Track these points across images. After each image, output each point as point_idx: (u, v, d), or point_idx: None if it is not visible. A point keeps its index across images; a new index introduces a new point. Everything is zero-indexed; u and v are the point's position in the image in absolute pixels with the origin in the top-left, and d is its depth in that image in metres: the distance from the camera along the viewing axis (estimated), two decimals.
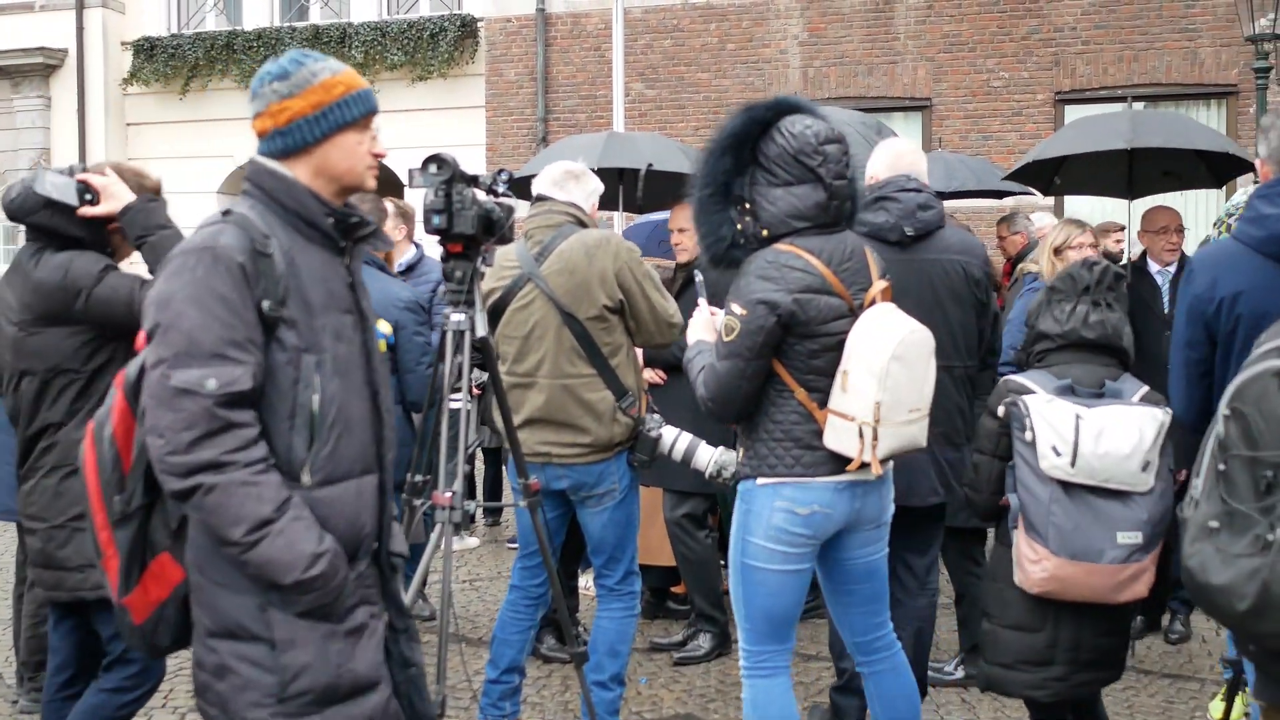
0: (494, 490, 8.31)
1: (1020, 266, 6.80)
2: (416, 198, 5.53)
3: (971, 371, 4.47)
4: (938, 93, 14.15)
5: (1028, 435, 3.32)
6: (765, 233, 3.44)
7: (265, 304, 2.35)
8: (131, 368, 2.45)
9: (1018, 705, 5.02)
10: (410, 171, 3.61)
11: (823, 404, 3.40)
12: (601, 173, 7.72)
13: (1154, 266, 5.94)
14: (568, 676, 5.39)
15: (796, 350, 3.40)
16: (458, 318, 3.61)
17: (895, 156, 4.39)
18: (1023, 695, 3.55)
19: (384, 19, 16.01)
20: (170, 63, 16.54)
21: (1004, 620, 3.46)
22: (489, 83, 15.51)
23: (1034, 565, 3.31)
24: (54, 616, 3.75)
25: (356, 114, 2.54)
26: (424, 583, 3.85)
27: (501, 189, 3.72)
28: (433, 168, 3.54)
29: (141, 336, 2.38)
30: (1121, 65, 13.74)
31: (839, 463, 3.39)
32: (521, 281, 4.24)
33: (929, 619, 4.58)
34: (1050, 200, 12.04)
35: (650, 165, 6.15)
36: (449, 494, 3.57)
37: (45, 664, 4.94)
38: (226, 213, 2.43)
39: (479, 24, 15.53)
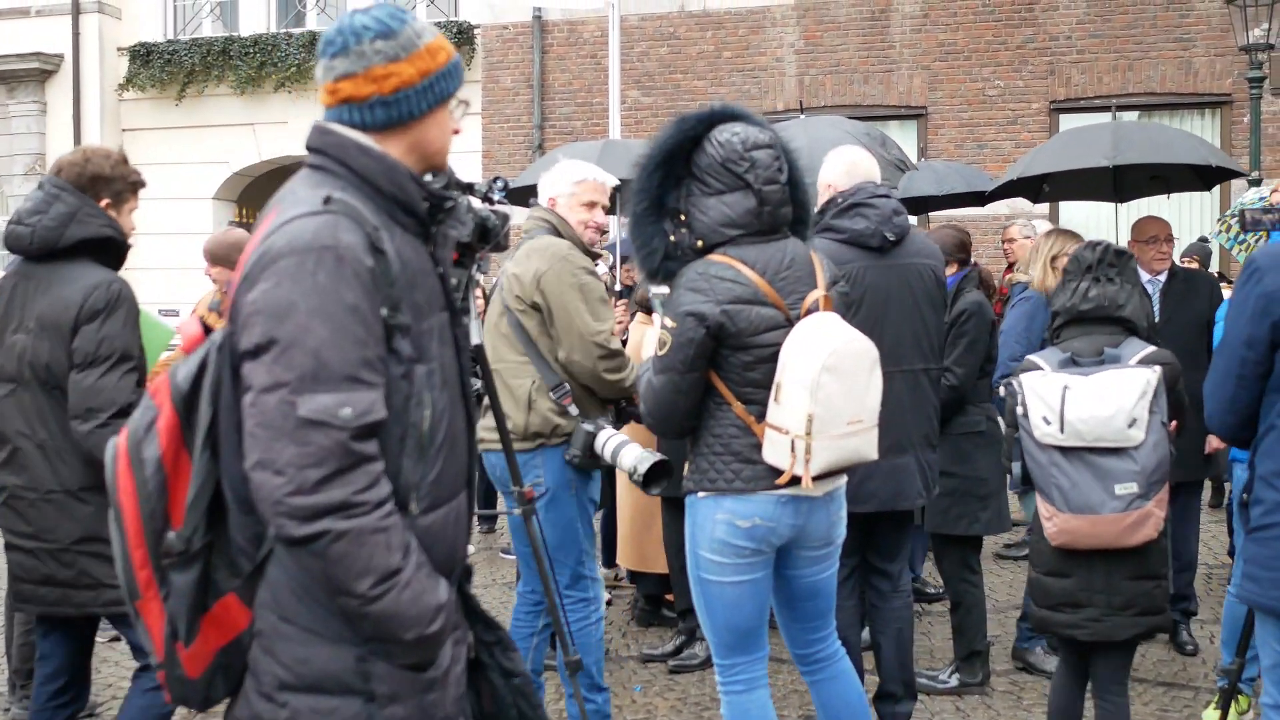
0: (488, 498, 8.32)
1: (1009, 276, 6.82)
2: None
3: (935, 375, 4.53)
4: (933, 101, 14.18)
5: (1020, 409, 3.66)
6: (700, 243, 3.39)
7: (383, 311, 2.01)
8: (180, 376, 2.06)
9: (1010, 711, 5.03)
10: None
11: (760, 416, 3.33)
12: None
13: (1144, 276, 5.95)
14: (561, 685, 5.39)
15: (731, 362, 3.34)
16: None
17: (851, 165, 4.42)
18: (1065, 635, 3.80)
19: None
20: (166, 68, 16.53)
21: (1040, 569, 3.82)
22: (485, 90, 15.52)
23: (1047, 522, 3.66)
24: (44, 626, 3.71)
25: (456, 86, 2.21)
26: None
27: (497, 196, 3.71)
28: (428, 175, 3.52)
29: (197, 343, 2.13)
30: (1116, 74, 13.77)
31: (779, 477, 3.32)
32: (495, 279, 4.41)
33: (908, 619, 4.63)
34: (1045, 207, 12.07)
35: (622, 180, 6.15)
36: None
37: (32, 672, 4.94)
38: (328, 199, 2.02)
39: (475, 31, 15.55)
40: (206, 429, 2.02)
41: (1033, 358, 3.82)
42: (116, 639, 6.04)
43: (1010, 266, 7.51)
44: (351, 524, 1.90)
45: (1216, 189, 10.29)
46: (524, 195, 4.49)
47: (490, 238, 3.67)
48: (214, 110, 16.51)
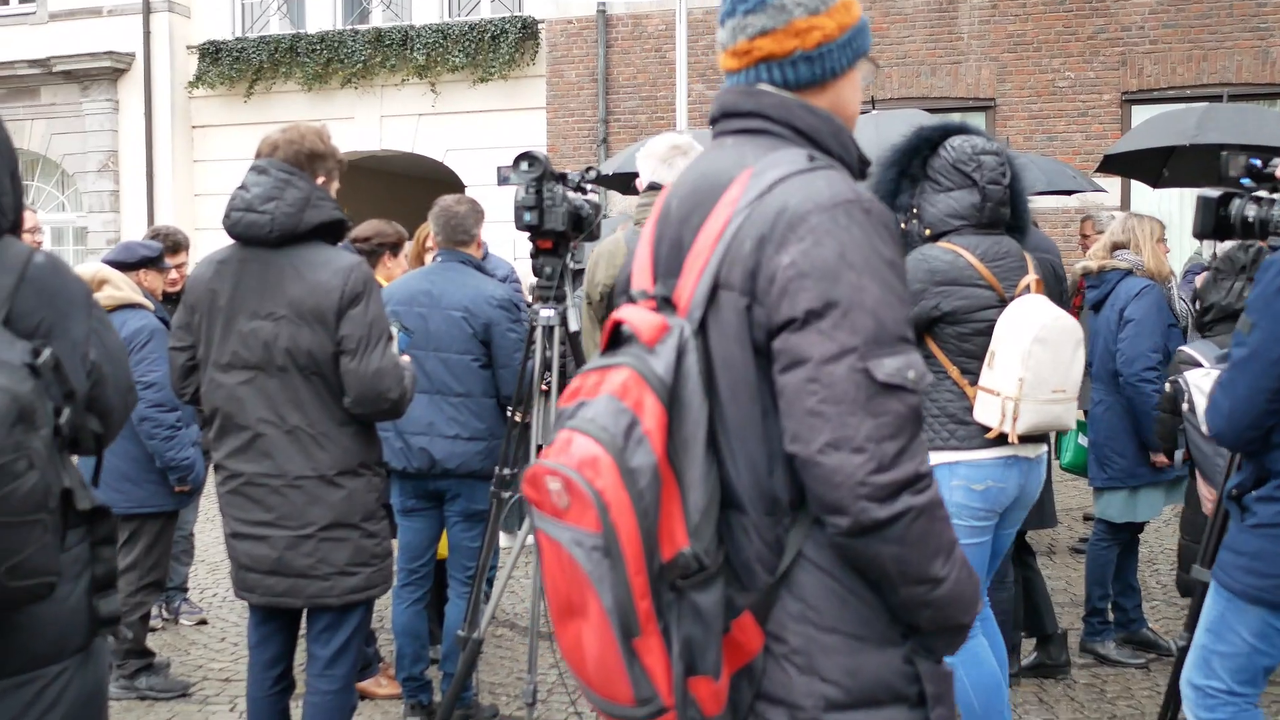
0: None
1: (1101, 265, 6.74)
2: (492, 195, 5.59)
3: None
4: (1002, 93, 14.04)
5: (1186, 406, 3.81)
6: (928, 232, 3.85)
7: None
8: (660, 369, 1.75)
9: (1094, 703, 4.99)
10: (500, 169, 3.63)
11: (973, 383, 3.76)
12: None
13: None
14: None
15: (948, 334, 3.76)
16: (547, 313, 3.65)
17: None
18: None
19: (445, 21, 16.13)
20: (235, 66, 16.76)
21: (1190, 537, 4.21)
22: (550, 84, 15.58)
23: (1209, 502, 3.81)
24: (259, 615, 3.65)
25: (869, 43, 2.03)
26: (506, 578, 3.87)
27: (589, 186, 3.75)
28: (524, 165, 3.57)
29: (662, 331, 1.78)
30: (1190, 65, 13.56)
31: (992, 437, 3.70)
32: None
33: (1010, 610, 4.61)
34: (1116, 198, 11.93)
35: None
36: None
37: (131, 651, 5.04)
38: (813, 157, 1.86)
39: (540, 25, 15.61)
40: (706, 425, 1.75)
41: (1189, 352, 4.06)
42: (203, 622, 6.17)
43: None
44: (925, 498, 1.72)
45: None
46: (613, 185, 4.47)
47: (584, 227, 3.72)
48: (281, 107, 16.69)
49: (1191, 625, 3.67)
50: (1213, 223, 3.48)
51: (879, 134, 7.13)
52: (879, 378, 1.68)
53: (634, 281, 1.93)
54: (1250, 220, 3.45)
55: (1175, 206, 12.69)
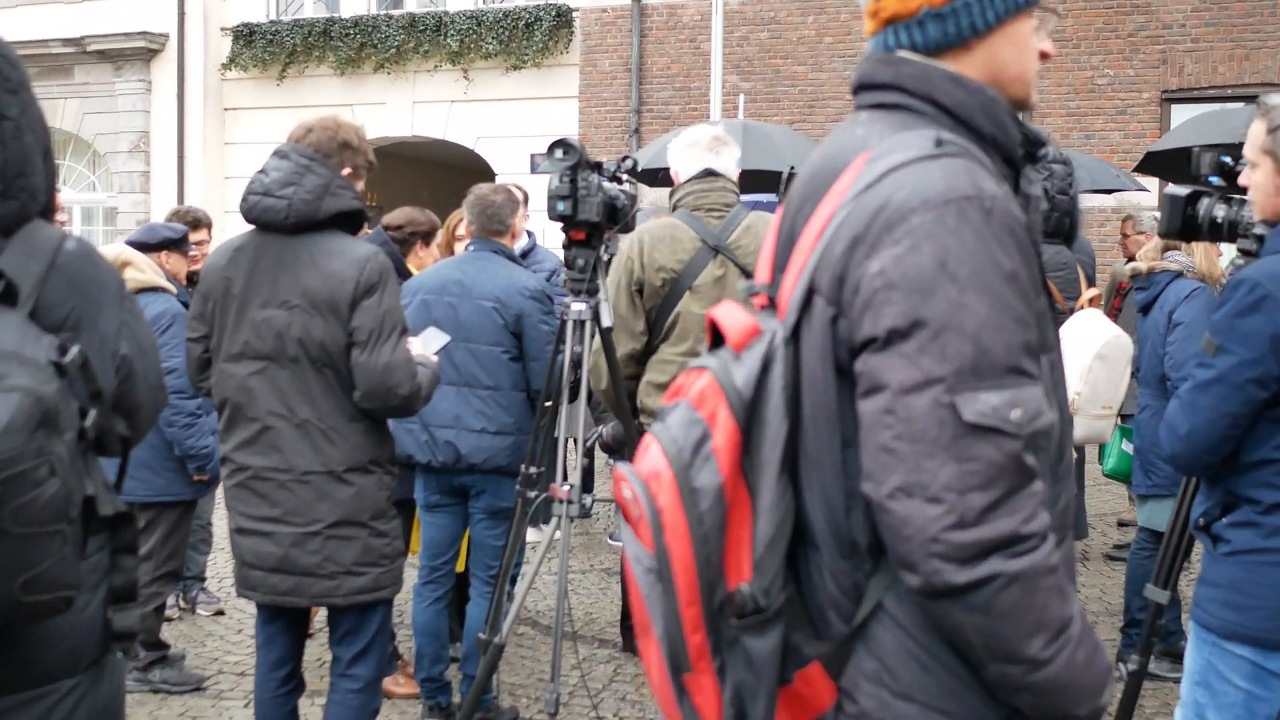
0: (585, 483, 8.26)
1: (1151, 266, 6.60)
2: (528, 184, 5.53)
3: None
4: (1041, 89, 13.70)
5: None
6: None
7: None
8: (738, 380, 1.54)
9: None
10: (534, 156, 3.55)
11: None
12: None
13: None
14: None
15: None
16: (578, 307, 3.54)
17: None
18: None
19: (480, 7, 16.04)
20: (268, 49, 16.73)
21: None
22: (583, 73, 15.47)
23: None
24: (266, 614, 3.58)
25: None
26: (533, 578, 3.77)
27: (625, 176, 3.64)
28: (559, 152, 3.46)
29: (751, 335, 1.57)
30: (1232, 64, 13.34)
31: None
32: (705, 257, 4.07)
33: None
34: (1154, 198, 11.72)
35: (792, 169, 5.97)
36: (567, 486, 3.49)
37: (146, 643, 4.97)
38: (939, 141, 1.55)
39: (574, 14, 15.50)
40: (784, 447, 1.52)
41: None
42: (220, 613, 6.10)
43: (1130, 259, 7.26)
44: (1022, 564, 1.43)
45: None
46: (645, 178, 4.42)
47: (619, 218, 3.61)
48: (314, 91, 16.66)
49: (1145, 650, 3.51)
50: (1179, 222, 3.22)
51: None
52: (966, 417, 1.41)
53: (755, 274, 1.72)
54: (1219, 221, 3.21)
55: None
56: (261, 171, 3.36)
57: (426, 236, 5.24)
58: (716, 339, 1.62)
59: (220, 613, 6.12)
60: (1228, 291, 2.75)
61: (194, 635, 5.81)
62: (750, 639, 1.51)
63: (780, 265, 1.64)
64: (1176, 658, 5.55)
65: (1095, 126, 13.71)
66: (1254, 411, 2.68)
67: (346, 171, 3.44)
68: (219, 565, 6.98)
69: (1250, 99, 12.99)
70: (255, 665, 3.63)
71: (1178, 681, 5.28)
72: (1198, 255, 5.32)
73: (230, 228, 16.54)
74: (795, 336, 1.55)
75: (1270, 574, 2.69)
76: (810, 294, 1.54)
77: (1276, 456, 2.71)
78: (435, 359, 3.60)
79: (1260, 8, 13.24)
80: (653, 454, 1.54)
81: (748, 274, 4.08)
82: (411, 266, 5.06)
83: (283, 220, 3.28)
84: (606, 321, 3.54)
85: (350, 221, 3.39)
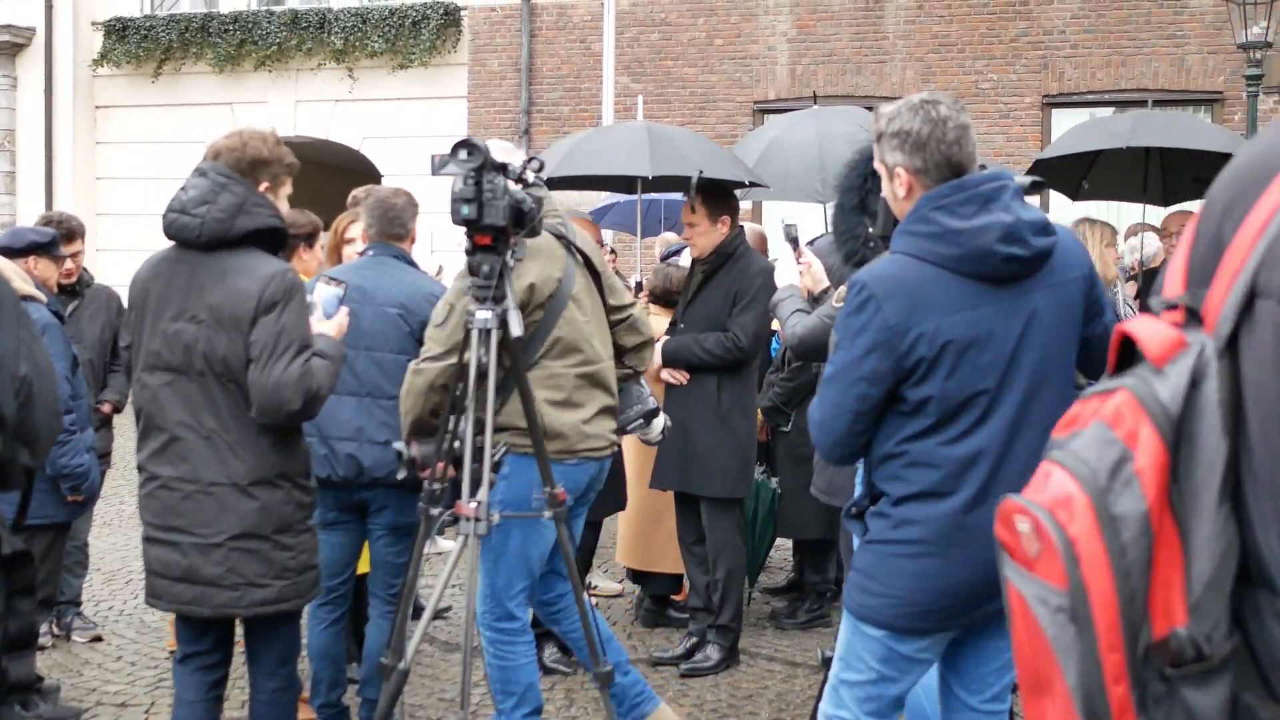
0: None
1: None
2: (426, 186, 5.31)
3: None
4: (924, 93, 14.00)
5: None
6: None
7: None
8: (1164, 395, 1.36)
9: None
10: (435, 157, 3.37)
11: None
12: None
13: None
14: (571, 689, 5.18)
15: None
16: (484, 315, 3.39)
17: None
18: None
19: (365, 5, 15.70)
20: (142, 44, 16.18)
21: None
22: (471, 73, 15.25)
23: None
24: (197, 625, 3.53)
25: None
26: (439, 599, 3.61)
27: (532, 178, 3.50)
28: (463, 153, 3.30)
29: (1175, 348, 1.37)
30: (1109, 70, 13.67)
31: None
32: (573, 264, 4.03)
33: None
34: (1035, 204, 11.93)
35: (701, 173, 5.85)
36: (474, 503, 3.34)
37: None
38: None
39: (462, 13, 15.27)
40: (1224, 471, 1.32)
41: None
42: (98, 639, 5.79)
43: None
44: None
45: None
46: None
47: (526, 222, 3.46)
48: (192, 89, 16.16)
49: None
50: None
51: (819, 129, 6.99)
52: None
53: (1164, 288, 1.47)
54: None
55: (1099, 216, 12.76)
56: (182, 188, 3.41)
57: (309, 239, 5.03)
58: (1122, 360, 1.42)
59: (98, 639, 5.80)
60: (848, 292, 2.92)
61: (70, 664, 5.49)
62: (1191, 691, 1.27)
63: (1199, 276, 1.41)
64: None
65: (979, 130, 13.69)
66: (874, 407, 2.82)
67: (264, 186, 3.47)
68: (95, 588, 6.64)
69: (1127, 103, 13.37)
70: (179, 671, 3.61)
71: None
72: (1094, 257, 5.41)
73: (104, 230, 15.96)
74: (1231, 347, 1.33)
75: (897, 564, 2.83)
76: (1251, 297, 1.31)
77: (900, 451, 2.83)
78: (339, 318, 3.68)
79: (1136, 15, 13.59)
80: (1057, 480, 1.34)
81: (597, 278, 4.13)
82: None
83: (196, 238, 3.34)
84: (516, 330, 3.39)
85: (269, 239, 3.44)
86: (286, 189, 3.60)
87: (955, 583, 2.79)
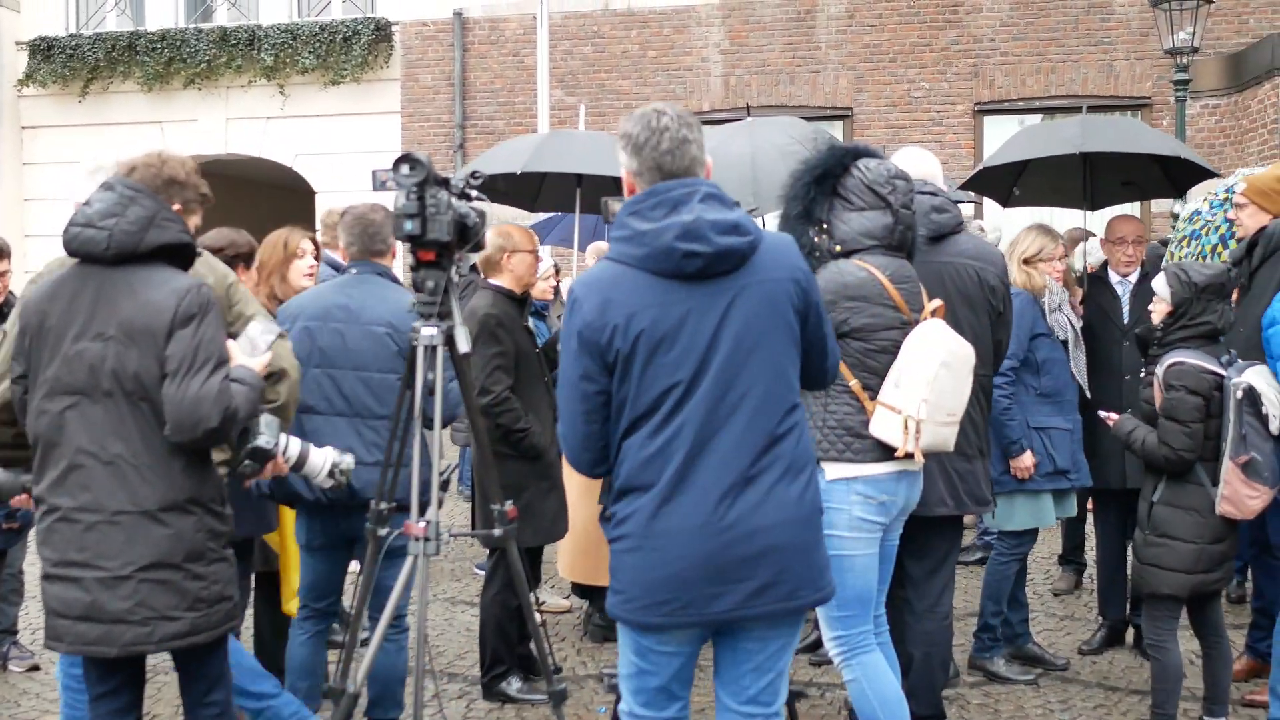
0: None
1: None
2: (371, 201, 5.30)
3: (985, 383, 4.47)
4: (859, 102, 14.14)
5: (1265, 409, 4.39)
6: (839, 249, 3.92)
7: None
8: None
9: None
10: (376, 173, 3.34)
11: (873, 398, 3.81)
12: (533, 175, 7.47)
13: (1115, 277, 5.86)
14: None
15: (853, 348, 3.82)
16: (429, 331, 3.34)
17: (903, 161, 4.45)
18: (1210, 590, 4.52)
19: (295, 21, 15.54)
20: (68, 64, 15.90)
21: (1206, 539, 4.44)
22: (404, 88, 15.14)
23: (1253, 500, 4.41)
24: (101, 667, 3.32)
25: None
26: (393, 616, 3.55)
27: (474, 192, 3.46)
28: (405, 169, 3.26)
29: None
30: (1039, 77, 13.86)
31: (883, 451, 3.76)
32: None
33: (940, 643, 4.48)
34: (970, 211, 12.03)
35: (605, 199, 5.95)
36: (423, 523, 3.29)
37: None
38: None
39: (394, 28, 15.16)
40: None
41: (1196, 362, 4.42)
42: (35, 668, 5.65)
43: None
44: None
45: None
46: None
47: (470, 237, 3.42)
48: (120, 107, 15.91)
49: None
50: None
51: (753, 140, 6.99)
52: None
53: None
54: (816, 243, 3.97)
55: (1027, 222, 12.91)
56: (85, 203, 3.24)
57: (247, 259, 4.93)
58: None
59: (35, 668, 5.67)
60: None
61: (7, 695, 5.36)
62: None
63: None
64: (1026, 660, 5.64)
65: (912, 138, 14.04)
66: (598, 407, 2.91)
67: (176, 207, 3.37)
68: (32, 616, 6.48)
69: (1058, 110, 13.57)
70: (91, 711, 3.39)
71: (1029, 683, 5.39)
72: (1012, 267, 5.54)
73: (32, 252, 15.63)
74: None
75: (619, 560, 2.93)
76: None
77: (618, 451, 2.93)
78: (265, 357, 3.45)
79: (1064, 22, 13.80)
80: None
81: None
82: None
83: (103, 251, 3.18)
84: (463, 347, 3.35)
85: (178, 256, 3.30)
86: (196, 219, 3.48)
87: (662, 576, 2.85)
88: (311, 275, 5.08)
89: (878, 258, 3.89)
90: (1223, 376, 4.42)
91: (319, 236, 5.61)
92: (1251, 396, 4.38)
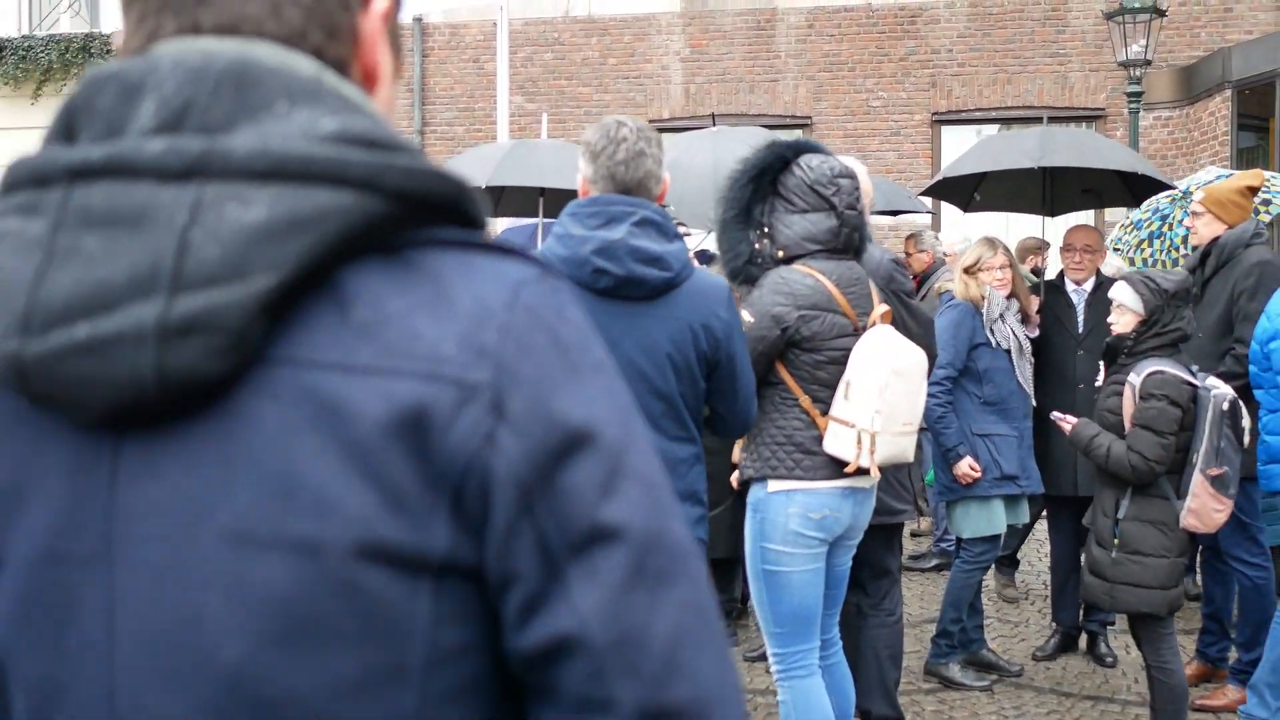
0: None
1: (936, 286, 6.78)
2: None
3: None
4: (818, 111, 14.20)
5: (1245, 421, 4.34)
6: (781, 254, 3.73)
7: None
8: None
9: None
10: None
11: (824, 412, 3.68)
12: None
13: (1070, 285, 5.91)
14: None
15: (803, 360, 3.70)
16: None
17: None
18: (1178, 605, 4.42)
19: None
20: (21, 65, 15.70)
21: (1175, 554, 4.36)
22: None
23: (1219, 513, 4.32)
24: None
25: None
26: None
27: None
28: None
29: None
30: (996, 87, 13.98)
31: (836, 467, 3.64)
32: None
33: (890, 644, 4.53)
34: (928, 218, 12.12)
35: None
36: None
37: None
38: None
39: None
40: None
41: (1174, 372, 4.32)
42: None
43: (916, 278, 7.45)
44: None
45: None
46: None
47: None
48: None
49: None
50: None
51: (715, 151, 7.00)
52: None
53: None
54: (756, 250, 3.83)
55: (988, 229, 13.02)
56: None
57: None
58: None
59: None
60: None
61: None
62: None
63: None
64: (980, 666, 5.68)
65: (871, 147, 14.14)
66: None
67: None
68: None
69: (1014, 120, 13.68)
70: None
71: (984, 689, 5.43)
72: (956, 281, 5.61)
73: None
74: None
75: None
76: None
77: None
78: None
79: (1020, 34, 13.93)
80: None
81: None
82: None
83: None
84: None
85: None
86: None
87: None
88: None
89: (822, 262, 3.74)
90: (1197, 387, 4.33)
91: None
92: (1235, 409, 4.30)
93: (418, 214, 0.87)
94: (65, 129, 0.88)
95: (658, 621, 0.86)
